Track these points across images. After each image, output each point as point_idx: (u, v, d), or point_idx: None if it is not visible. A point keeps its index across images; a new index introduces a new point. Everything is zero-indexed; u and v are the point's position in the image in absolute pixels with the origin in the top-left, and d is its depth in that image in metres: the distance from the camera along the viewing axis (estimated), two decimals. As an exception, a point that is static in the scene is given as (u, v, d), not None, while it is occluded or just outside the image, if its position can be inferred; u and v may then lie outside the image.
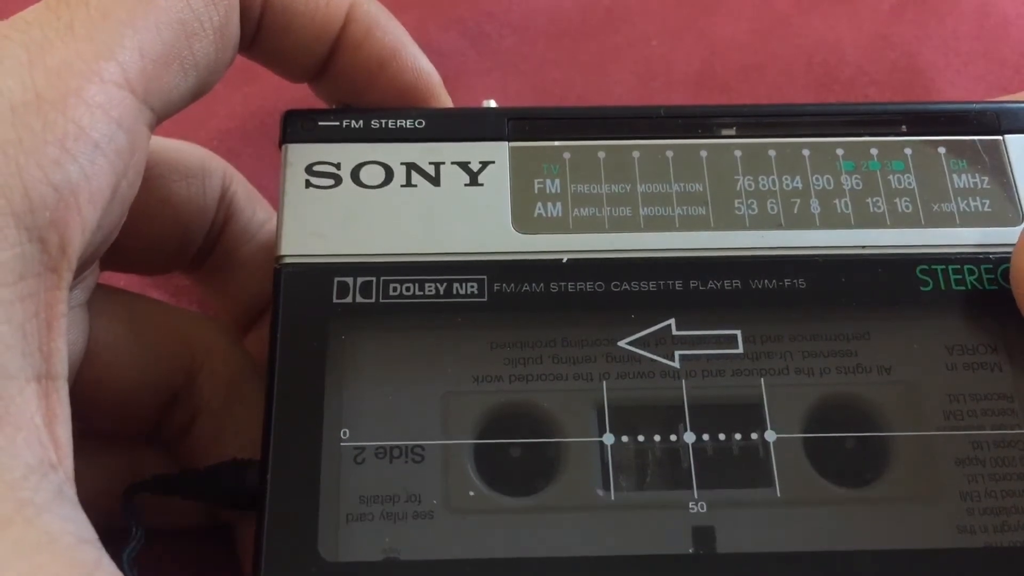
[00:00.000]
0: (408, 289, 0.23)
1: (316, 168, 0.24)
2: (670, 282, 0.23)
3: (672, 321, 0.23)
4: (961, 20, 0.36)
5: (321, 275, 0.23)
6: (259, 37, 0.23)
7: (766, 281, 0.23)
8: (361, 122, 0.25)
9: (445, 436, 0.22)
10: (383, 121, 0.25)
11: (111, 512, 0.23)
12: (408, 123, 0.25)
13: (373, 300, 0.23)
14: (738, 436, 0.22)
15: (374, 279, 0.23)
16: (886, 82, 0.35)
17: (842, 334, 0.23)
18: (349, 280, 0.23)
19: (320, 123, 0.25)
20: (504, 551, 0.21)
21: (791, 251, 0.24)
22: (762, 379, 0.22)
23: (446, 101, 0.26)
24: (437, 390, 0.22)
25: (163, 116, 0.22)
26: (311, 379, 0.22)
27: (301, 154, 0.24)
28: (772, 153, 0.25)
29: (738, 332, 0.23)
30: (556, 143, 0.25)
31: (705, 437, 0.22)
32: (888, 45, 0.36)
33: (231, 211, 0.27)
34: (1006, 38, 0.36)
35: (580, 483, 0.22)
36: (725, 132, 0.25)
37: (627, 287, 0.23)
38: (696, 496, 0.21)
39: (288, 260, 0.23)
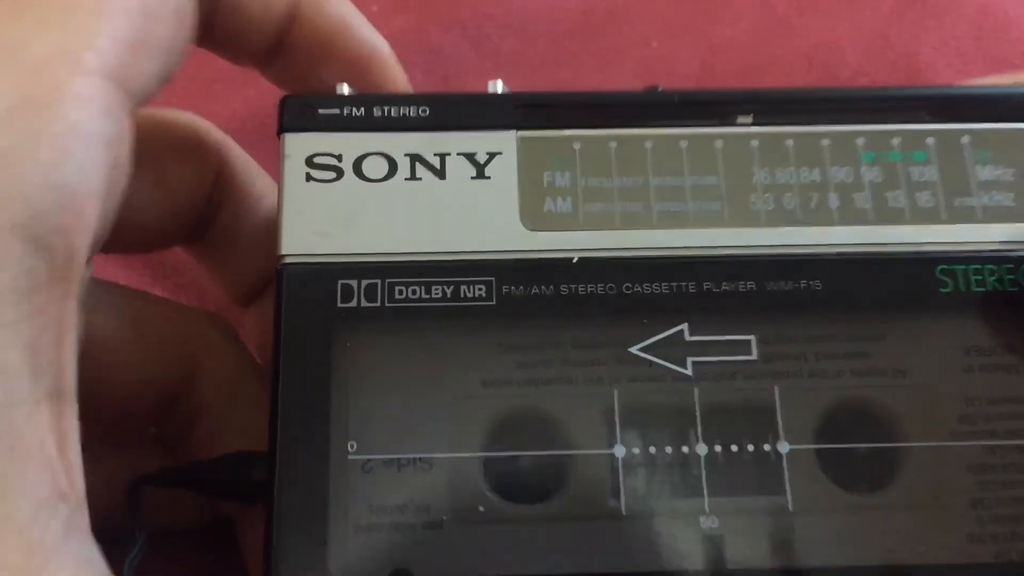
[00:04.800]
0: (414, 292, 0.22)
1: (317, 160, 0.23)
2: (683, 284, 0.23)
3: (685, 326, 0.22)
4: (961, 20, 0.36)
5: (324, 277, 0.22)
6: (215, 19, 0.23)
7: (781, 283, 0.23)
8: (363, 109, 0.24)
9: (453, 446, 0.22)
10: (386, 108, 0.24)
11: (111, 514, 0.23)
12: (412, 111, 0.24)
13: (378, 304, 0.22)
14: (750, 447, 0.22)
15: (379, 281, 0.22)
16: (886, 82, 0.35)
17: (857, 337, 0.22)
18: (353, 283, 0.22)
19: (320, 111, 0.24)
20: (513, 566, 0.21)
21: (808, 249, 0.23)
22: (776, 386, 0.22)
23: (399, 74, 0.25)
24: (445, 398, 0.22)
25: (139, 103, 0.21)
26: (316, 390, 0.22)
27: (300, 145, 0.23)
28: (790, 143, 0.24)
29: (752, 337, 0.22)
30: (566, 132, 0.24)
31: (717, 448, 0.22)
32: (888, 45, 0.35)
33: (228, 187, 0.26)
34: (1006, 38, 0.36)
35: (590, 495, 0.21)
36: (742, 120, 0.24)
37: (639, 289, 0.23)
38: (707, 509, 0.21)
39: (289, 260, 0.23)
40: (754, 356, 0.22)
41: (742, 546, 0.21)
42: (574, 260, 0.23)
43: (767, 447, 0.22)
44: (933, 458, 0.22)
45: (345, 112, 0.24)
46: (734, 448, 0.22)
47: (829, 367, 0.22)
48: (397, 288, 0.22)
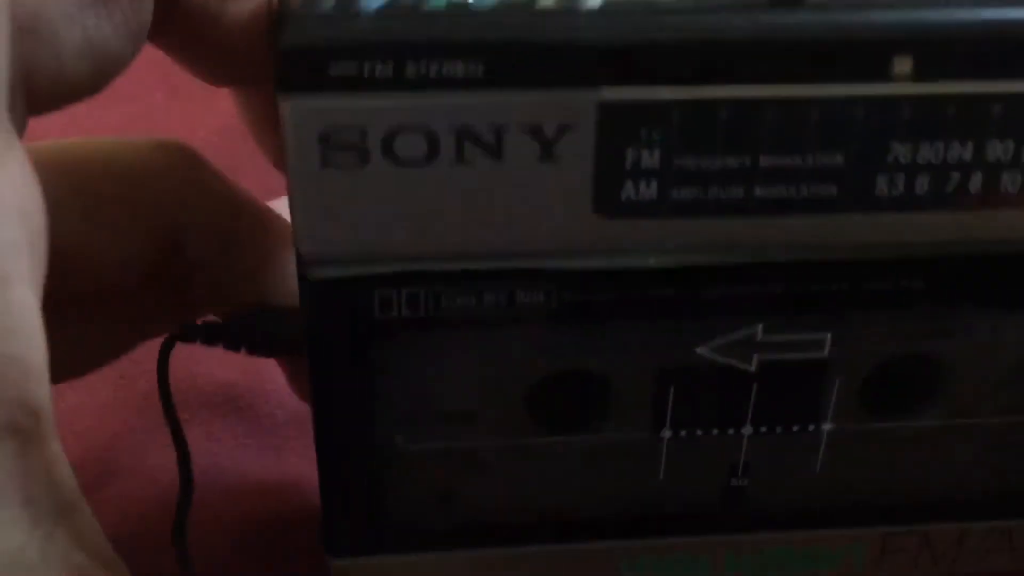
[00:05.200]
0: (463, 301, 0.19)
1: (334, 139, 0.17)
2: (769, 287, 0.20)
3: (759, 327, 0.20)
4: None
5: (358, 289, 0.19)
6: None
7: (881, 283, 0.20)
8: (391, 65, 0.17)
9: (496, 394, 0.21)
10: (424, 64, 0.17)
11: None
12: (461, 68, 0.17)
13: (423, 314, 0.19)
14: (795, 428, 0.22)
15: (421, 291, 0.19)
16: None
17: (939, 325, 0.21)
18: (392, 292, 0.19)
19: (333, 64, 0.17)
20: (551, 496, 0.22)
21: (924, 237, 0.19)
22: (837, 378, 0.21)
23: None
24: (492, 384, 0.21)
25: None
26: (357, 394, 0.20)
27: (310, 116, 0.17)
28: (951, 111, 0.18)
29: (827, 335, 0.20)
30: (664, 92, 0.18)
31: (763, 429, 0.22)
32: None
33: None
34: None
35: (631, 445, 0.22)
36: (898, 71, 0.18)
37: (719, 292, 0.20)
38: (740, 473, 0.22)
39: (311, 261, 0.18)
40: (825, 354, 0.21)
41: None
42: (651, 263, 0.19)
43: (811, 427, 0.22)
44: (973, 396, 0.22)
45: (367, 70, 0.17)
46: (779, 430, 0.22)
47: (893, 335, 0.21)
48: (443, 297, 0.19)
